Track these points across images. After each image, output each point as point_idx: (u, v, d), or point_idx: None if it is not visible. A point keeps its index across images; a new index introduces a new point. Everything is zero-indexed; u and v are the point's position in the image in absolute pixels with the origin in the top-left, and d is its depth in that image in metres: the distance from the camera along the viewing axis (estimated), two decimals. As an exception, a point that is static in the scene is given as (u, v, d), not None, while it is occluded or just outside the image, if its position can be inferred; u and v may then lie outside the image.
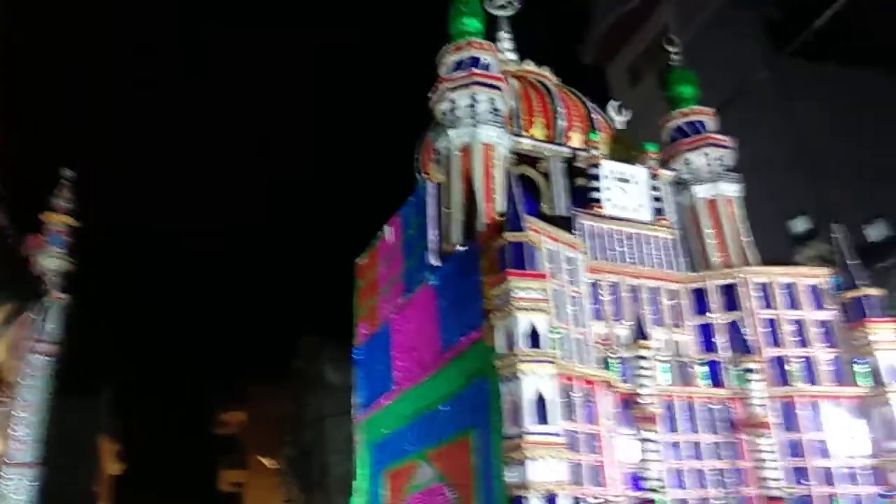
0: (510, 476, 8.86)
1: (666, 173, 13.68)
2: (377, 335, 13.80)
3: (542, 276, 9.90)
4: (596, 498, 9.68)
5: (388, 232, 13.90)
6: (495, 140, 12.12)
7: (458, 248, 11.30)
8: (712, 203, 13.59)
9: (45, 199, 14.34)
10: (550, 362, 9.30)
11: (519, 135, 13.20)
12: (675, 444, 10.87)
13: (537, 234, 10.53)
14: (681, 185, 13.83)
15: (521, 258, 9.82)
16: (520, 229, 10.04)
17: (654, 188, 13.19)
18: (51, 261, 13.67)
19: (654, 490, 10.09)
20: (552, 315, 9.89)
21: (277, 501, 31.15)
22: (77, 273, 14.21)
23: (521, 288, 9.52)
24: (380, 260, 14.24)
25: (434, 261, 11.73)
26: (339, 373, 21.54)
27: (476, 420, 9.91)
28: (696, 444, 11.03)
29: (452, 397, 10.66)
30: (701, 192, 13.65)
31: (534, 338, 9.30)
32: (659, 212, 13.03)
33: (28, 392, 12.43)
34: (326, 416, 22.01)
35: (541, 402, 9.00)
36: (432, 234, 11.90)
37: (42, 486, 12.70)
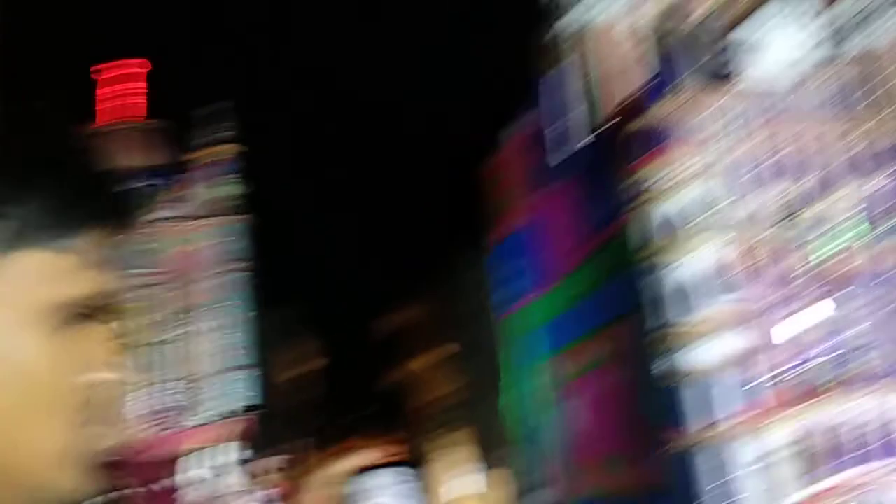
0: (674, 358, 8.52)
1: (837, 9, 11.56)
2: (519, 232, 13.69)
3: (693, 147, 9.16)
4: (771, 371, 8.94)
5: (520, 129, 13.42)
6: (626, 15, 11.06)
7: (595, 133, 10.66)
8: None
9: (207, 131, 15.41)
10: (715, 236, 8.74)
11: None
12: (871, 307, 9.44)
13: (687, 99, 9.58)
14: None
15: (665, 133, 9.11)
16: (661, 102, 9.26)
17: (819, 29, 11.28)
18: (225, 188, 14.84)
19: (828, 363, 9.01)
20: (713, 183, 9.17)
21: (446, 391, 30.46)
22: (251, 194, 15.21)
23: (671, 164, 9.01)
24: (513, 158, 13.87)
25: (570, 151, 11.25)
26: (479, 272, 21.22)
27: (632, 305, 9.64)
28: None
29: (605, 284, 10.44)
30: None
31: (688, 214, 8.71)
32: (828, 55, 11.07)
33: (228, 306, 14.03)
34: (486, 312, 21.44)
35: (704, 280, 8.50)
36: (564, 125, 11.34)
37: (255, 384, 14.28)
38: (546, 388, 12.61)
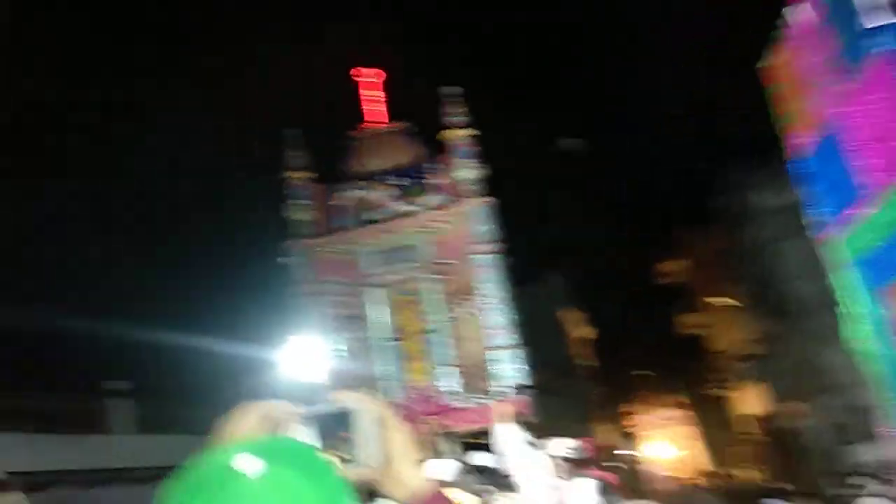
0: None
1: None
2: (823, 138, 11.25)
3: None
4: None
5: (799, 14, 10.92)
6: None
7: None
8: None
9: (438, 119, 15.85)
10: None
11: None
12: None
13: None
14: None
15: None
16: None
17: None
18: (466, 171, 15.18)
19: None
20: None
21: (741, 336, 30.07)
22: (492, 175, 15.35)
23: None
24: (796, 51, 11.44)
25: (881, 19, 8.73)
26: (773, 194, 19.87)
27: None
28: None
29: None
30: None
31: None
32: None
33: (489, 288, 14.28)
34: (772, 243, 20.67)
35: None
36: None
37: (528, 361, 14.36)
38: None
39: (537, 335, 18.75)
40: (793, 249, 19.25)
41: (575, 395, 30.17)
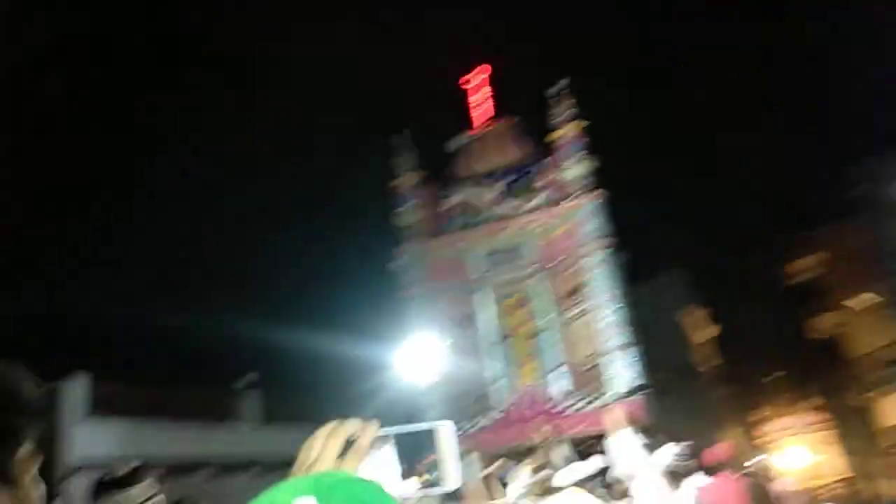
0: None
1: None
2: None
3: None
4: None
5: None
6: None
7: None
8: None
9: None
10: None
11: None
12: None
13: None
14: None
15: None
16: None
17: None
18: (576, 168, 14.77)
19: None
20: None
21: (883, 339, 29.21)
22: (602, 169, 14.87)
23: None
24: None
25: None
26: None
27: None
28: None
29: None
30: None
31: None
32: None
33: (601, 287, 13.76)
34: None
35: None
36: None
37: (642, 361, 13.81)
38: None
39: (656, 335, 17.98)
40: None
41: (698, 397, 28.93)
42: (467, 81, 17.51)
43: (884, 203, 23.27)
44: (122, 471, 2.52)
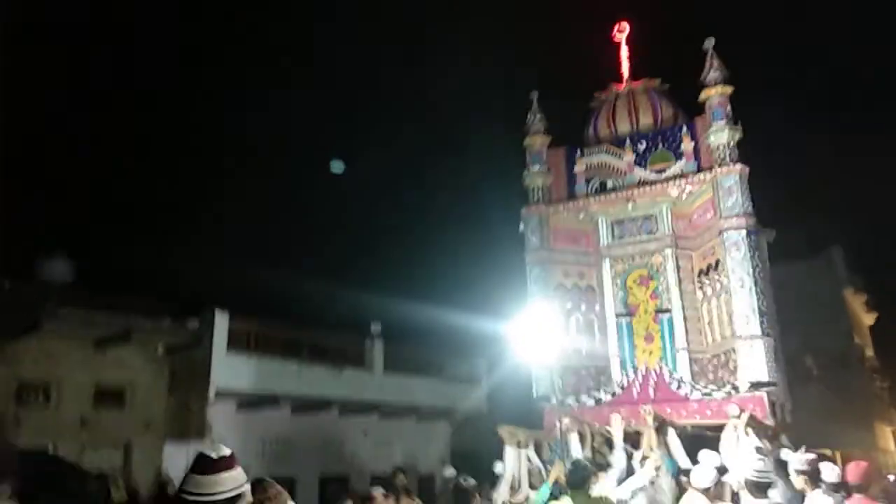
0: None
1: None
2: None
3: None
4: None
5: None
6: None
7: None
8: None
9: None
10: None
11: None
12: None
13: None
14: None
15: None
16: None
17: None
18: (720, 135, 13.27)
19: None
20: None
21: None
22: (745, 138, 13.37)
23: None
24: None
25: None
26: None
27: None
28: None
29: None
30: None
31: None
32: None
33: (740, 267, 12.36)
34: None
35: None
36: None
37: (783, 349, 12.67)
38: None
39: (805, 319, 16.39)
40: None
41: (846, 391, 26.61)
42: (611, 37, 16.41)
43: None
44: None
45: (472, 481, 10.19)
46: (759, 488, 5.67)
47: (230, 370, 17.64)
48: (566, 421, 12.21)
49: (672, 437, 10.57)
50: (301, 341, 19.83)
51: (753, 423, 10.03)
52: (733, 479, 7.03)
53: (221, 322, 17.77)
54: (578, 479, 6.41)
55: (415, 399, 21.68)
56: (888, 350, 33.76)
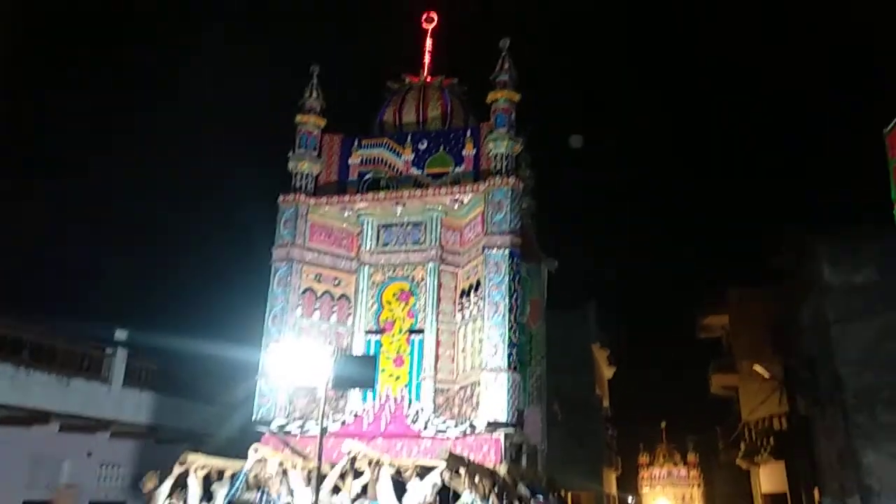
0: None
1: None
2: None
3: None
4: None
5: None
6: None
7: None
8: None
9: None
10: None
11: None
12: None
13: None
14: None
15: None
16: None
17: None
18: (498, 144, 12.12)
19: None
20: None
21: (772, 409, 28.10)
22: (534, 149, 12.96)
23: None
24: None
25: None
26: (840, 272, 18.63)
27: None
28: None
29: None
30: None
31: None
32: None
33: (497, 290, 11.27)
34: (832, 322, 19.21)
35: None
36: None
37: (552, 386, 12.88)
38: None
39: (558, 367, 16.25)
40: (849, 333, 17.68)
41: (588, 436, 28.63)
42: (421, 25, 14.99)
43: (802, 278, 22.50)
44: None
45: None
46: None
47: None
48: (261, 450, 10.07)
49: (384, 481, 8.80)
50: (21, 340, 15.90)
51: (461, 468, 8.52)
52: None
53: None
54: None
55: (156, 419, 18.72)
56: (621, 403, 37.61)
